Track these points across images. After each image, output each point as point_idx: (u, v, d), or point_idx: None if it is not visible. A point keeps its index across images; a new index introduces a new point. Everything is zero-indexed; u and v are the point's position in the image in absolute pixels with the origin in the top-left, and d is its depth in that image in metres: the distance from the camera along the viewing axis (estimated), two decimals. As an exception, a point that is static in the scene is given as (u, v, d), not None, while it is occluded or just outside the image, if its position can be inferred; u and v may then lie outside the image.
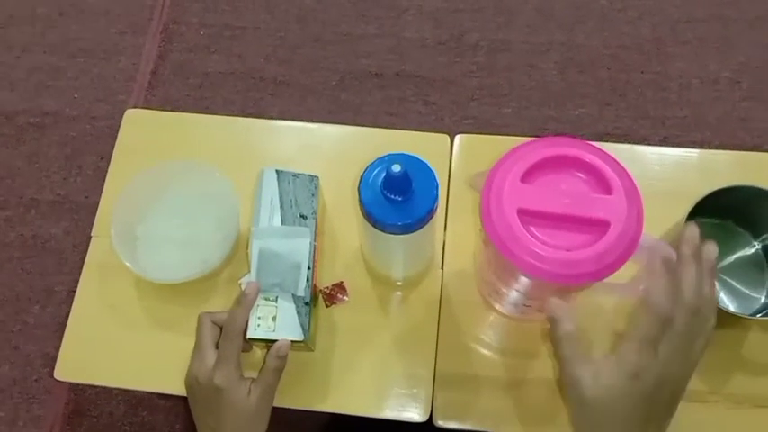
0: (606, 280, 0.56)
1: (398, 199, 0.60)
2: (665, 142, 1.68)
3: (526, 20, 1.88)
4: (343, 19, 1.91)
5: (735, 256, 0.82)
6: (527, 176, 0.58)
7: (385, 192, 0.60)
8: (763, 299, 0.80)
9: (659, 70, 1.78)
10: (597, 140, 1.28)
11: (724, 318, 0.75)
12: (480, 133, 0.95)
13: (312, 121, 0.96)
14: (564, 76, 1.79)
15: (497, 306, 0.81)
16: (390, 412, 0.79)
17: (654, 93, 1.75)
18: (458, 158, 0.92)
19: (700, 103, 1.73)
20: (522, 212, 0.56)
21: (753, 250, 0.82)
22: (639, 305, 0.55)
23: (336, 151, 0.94)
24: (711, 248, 0.57)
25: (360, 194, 0.61)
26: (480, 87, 1.78)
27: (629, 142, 1.64)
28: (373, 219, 0.62)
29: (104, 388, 1.45)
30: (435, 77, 1.80)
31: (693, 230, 0.56)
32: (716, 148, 1.63)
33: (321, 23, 1.90)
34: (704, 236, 0.80)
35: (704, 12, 1.87)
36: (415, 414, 0.78)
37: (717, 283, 0.79)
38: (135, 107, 1.78)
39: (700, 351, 0.56)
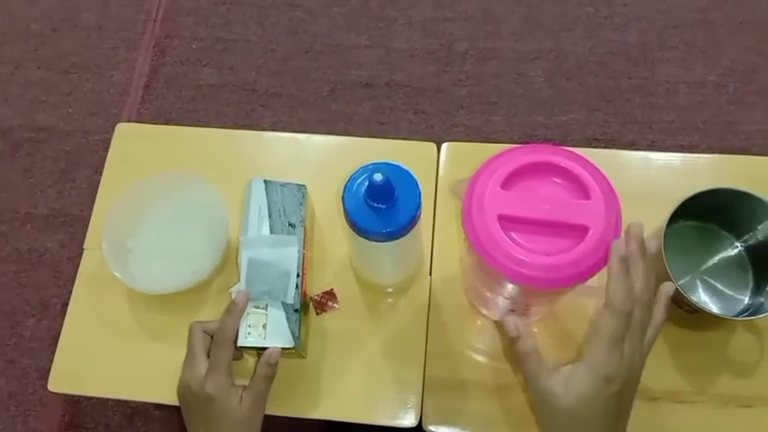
0: (589, 283, 0.57)
1: (382, 207, 0.61)
2: (652, 146, 1.69)
3: (514, 28, 1.89)
4: (333, 30, 1.92)
5: (718, 258, 0.83)
6: (507, 183, 0.59)
7: (368, 200, 0.61)
8: (746, 300, 0.81)
9: (646, 75, 1.80)
10: (586, 146, 1.30)
11: (709, 319, 0.76)
12: (470, 141, 0.96)
13: (302, 132, 0.97)
14: (552, 83, 1.80)
15: (484, 311, 0.82)
16: (381, 418, 0.80)
17: (641, 98, 1.77)
18: (445, 166, 0.93)
19: (687, 107, 1.75)
20: (503, 218, 0.57)
21: (735, 251, 0.83)
22: (602, 307, 0.56)
23: (325, 161, 0.95)
24: (654, 242, 0.58)
25: (344, 203, 0.62)
26: (469, 95, 1.79)
27: (618, 147, 1.67)
28: (358, 227, 0.63)
29: (100, 400, 1.45)
30: (425, 86, 1.81)
31: (638, 227, 0.57)
32: (703, 151, 1.64)
33: (312, 35, 1.92)
34: (687, 238, 0.83)
35: (690, 17, 1.89)
36: (404, 420, 0.79)
37: (700, 285, 0.82)
38: (128, 121, 1.80)
39: (650, 344, 0.58)
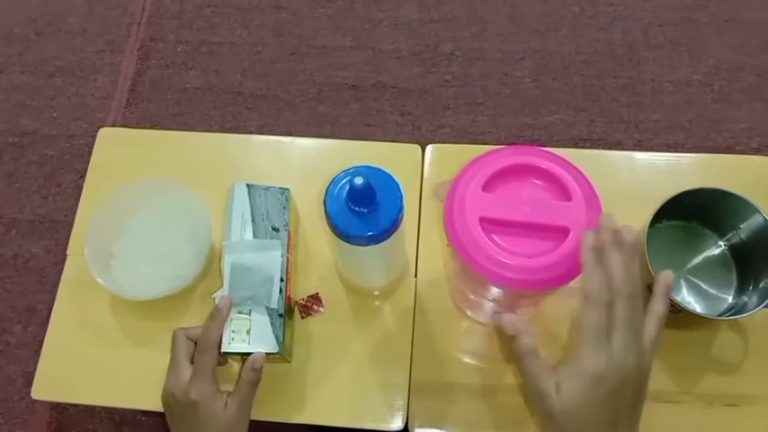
0: (573, 284, 0.57)
1: (363, 211, 0.61)
2: (638, 146, 1.70)
3: (499, 29, 1.90)
4: (318, 32, 1.92)
5: (701, 257, 0.84)
6: (489, 185, 0.59)
7: (350, 204, 0.61)
8: (730, 299, 0.81)
9: (632, 75, 1.81)
10: (572, 146, 1.29)
11: (692, 319, 0.76)
12: (456, 142, 0.96)
13: (288, 135, 0.97)
14: (538, 83, 1.81)
15: (469, 313, 0.82)
16: (367, 422, 0.80)
17: (627, 97, 1.78)
18: (430, 168, 0.93)
19: (672, 105, 1.76)
20: (484, 221, 0.57)
21: (719, 251, 0.84)
22: (581, 304, 0.54)
23: (309, 164, 0.94)
24: (628, 233, 0.55)
25: (325, 207, 0.62)
26: (456, 96, 1.79)
27: (604, 147, 1.68)
28: (339, 231, 0.62)
29: (87, 407, 1.44)
30: (411, 88, 1.81)
31: (607, 218, 0.55)
32: (689, 150, 1.66)
33: (297, 37, 1.92)
34: (671, 238, 0.83)
35: (675, 15, 1.90)
36: (391, 423, 0.79)
37: (683, 284, 0.82)
38: (113, 125, 1.79)
39: (651, 340, 0.55)
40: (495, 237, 0.58)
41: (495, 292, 0.65)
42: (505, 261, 0.56)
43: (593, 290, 0.53)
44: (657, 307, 0.56)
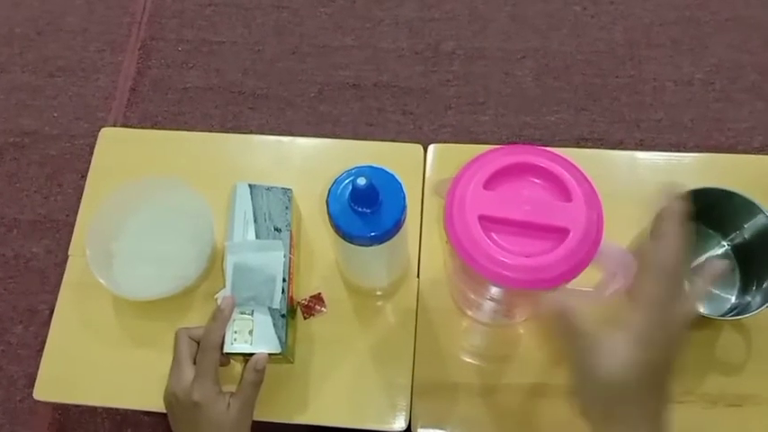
0: (570, 286, 0.57)
1: (366, 211, 0.61)
2: (640, 145, 1.69)
3: (501, 27, 1.89)
4: (319, 31, 1.92)
5: (705, 257, 0.83)
6: (489, 183, 0.59)
7: (352, 204, 0.61)
8: (733, 299, 0.81)
9: (633, 74, 1.80)
10: (574, 145, 1.28)
11: (696, 319, 0.75)
12: (458, 141, 0.96)
13: (290, 134, 0.97)
14: (539, 82, 1.80)
15: (469, 312, 0.81)
16: (369, 422, 0.79)
17: (628, 96, 1.77)
18: (432, 168, 0.93)
19: (674, 105, 1.75)
20: (484, 219, 0.57)
21: (722, 250, 0.83)
22: (641, 272, 0.53)
23: (311, 164, 0.94)
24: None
25: (328, 208, 0.62)
26: (457, 96, 1.79)
27: (606, 146, 1.67)
28: (342, 231, 0.62)
29: (88, 407, 1.44)
30: (412, 87, 1.81)
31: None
32: (691, 149, 1.65)
33: (298, 36, 1.91)
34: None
35: (676, 15, 1.89)
36: (394, 424, 0.79)
37: (686, 285, 0.81)
38: (114, 125, 1.79)
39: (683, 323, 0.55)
40: (494, 235, 0.57)
41: (494, 291, 0.65)
42: (504, 260, 0.56)
43: (664, 259, 0.53)
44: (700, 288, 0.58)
